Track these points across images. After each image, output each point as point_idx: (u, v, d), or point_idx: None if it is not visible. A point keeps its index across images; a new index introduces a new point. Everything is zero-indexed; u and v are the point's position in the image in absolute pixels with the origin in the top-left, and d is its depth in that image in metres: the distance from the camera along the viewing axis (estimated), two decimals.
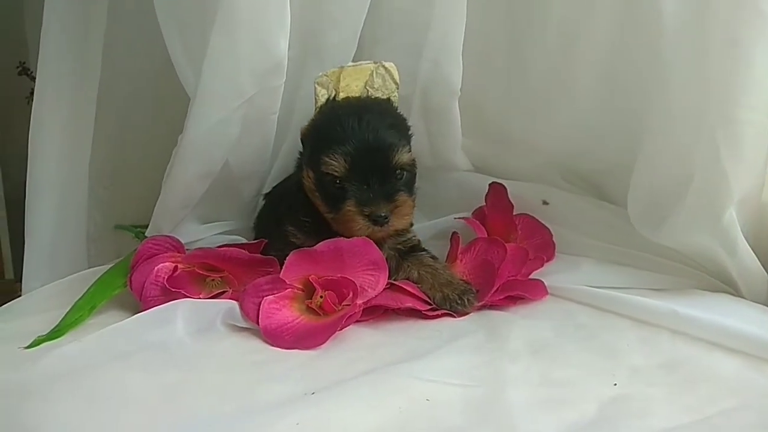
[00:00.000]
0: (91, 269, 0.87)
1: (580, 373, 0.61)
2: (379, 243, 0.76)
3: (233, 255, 0.78)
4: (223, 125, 0.80)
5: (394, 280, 0.77)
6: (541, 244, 0.89)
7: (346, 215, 0.73)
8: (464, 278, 0.79)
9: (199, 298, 0.74)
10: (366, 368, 0.62)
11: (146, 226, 0.90)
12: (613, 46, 0.87)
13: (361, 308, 0.71)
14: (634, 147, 0.83)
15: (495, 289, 0.76)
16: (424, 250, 0.82)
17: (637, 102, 0.84)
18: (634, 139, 0.84)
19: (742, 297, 0.75)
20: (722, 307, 0.71)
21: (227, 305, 0.72)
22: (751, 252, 0.73)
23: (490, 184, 0.93)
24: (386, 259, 0.75)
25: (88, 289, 0.76)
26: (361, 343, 0.68)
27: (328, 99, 0.80)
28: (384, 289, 0.73)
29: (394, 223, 0.74)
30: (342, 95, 0.80)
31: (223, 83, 0.78)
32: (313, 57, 0.88)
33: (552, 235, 0.90)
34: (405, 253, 0.81)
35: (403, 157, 0.74)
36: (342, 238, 0.74)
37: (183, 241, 0.83)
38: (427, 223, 0.98)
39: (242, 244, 0.89)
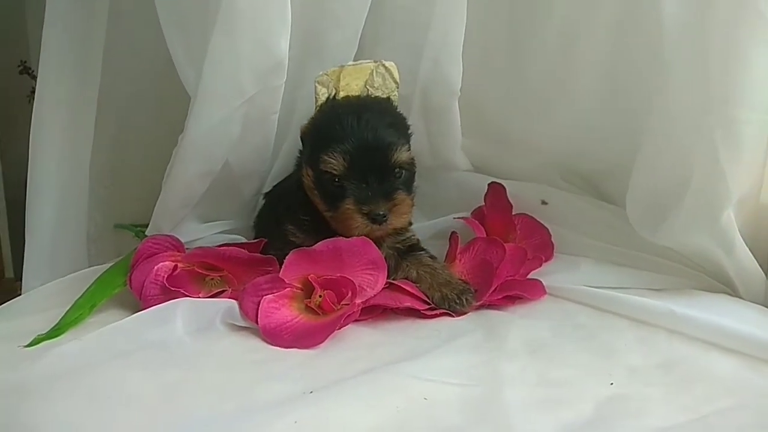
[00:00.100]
0: (91, 268, 0.87)
1: (577, 372, 0.61)
2: (378, 242, 0.76)
3: (233, 254, 0.78)
4: (224, 124, 0.80)
5: (393, 279, 0.77)
6: (539, 244, 0.89)
7: (345, 214, 0.74)
8: (463, 278, 0.79)
9: (199, 297, 0.74)
10: (364, 367, 0.62)
11: (146, 226, 0.90)
12: (612, 46, 0.87)
13: (360, 307, 0.71)
14: (633, 147, 0.83)
15: (493, 288, 0.76)
16: (423, 249, 0.83)
17: (637, 102, 0.84)
18: (633, 140, 0.84)
19: (740, 297, 0.76)
20: (719, 307, 0.71)
21: (226, 304, 0.72)
22: (749, 252, 0.74)
23: (489, 184, 0.93)
24: (385, 258, 0.76)
25: (88, 287, 0.76)
26: (359, 343, 0.68)
27: (328, 98, 0.80)
28: (383, 288, 0.74)
29: (392, 222, 0.74)
30: (342, 94, 0.80)
31: (224, 83, 0.78)
32: (313, 56, 0.88)
33: (551, 235, 0.90)
34: (404, 253, 0.81)
35: (401, 155, 0.74)
36: (341, 237, 0.74)
37: (183, 240, 0.83)
38: (427, 222, 0.98)
39: (242, 243, 0.89)
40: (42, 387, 0.59)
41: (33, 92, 0.94)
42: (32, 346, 0.66)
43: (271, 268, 0.77)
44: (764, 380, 0.60)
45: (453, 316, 0.74)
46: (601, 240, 0.88)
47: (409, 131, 0.80)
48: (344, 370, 0.62)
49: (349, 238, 0.74)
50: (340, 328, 0.69)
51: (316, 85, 0.80)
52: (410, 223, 0.84)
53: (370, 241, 0.74)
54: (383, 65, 0.81)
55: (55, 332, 0.68)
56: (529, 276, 0.83)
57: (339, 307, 0.71)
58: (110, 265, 0.83)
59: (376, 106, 0.78)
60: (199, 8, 0.77)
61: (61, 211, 0.93)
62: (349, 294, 0.71)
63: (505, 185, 0.93)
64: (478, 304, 0.75)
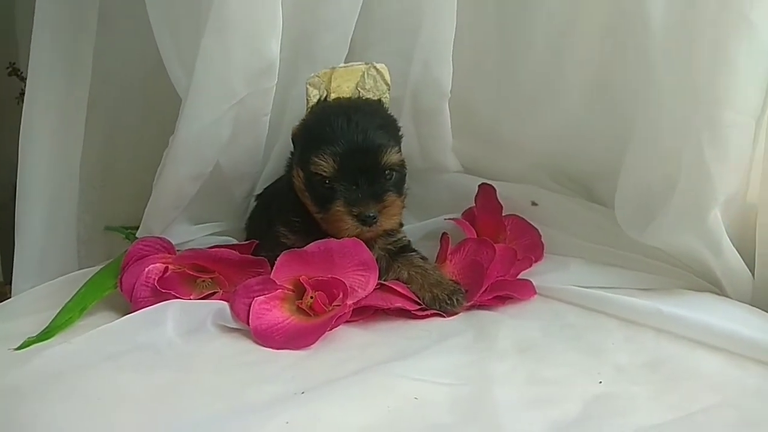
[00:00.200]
0: (81, 271, 0.87)
1: (566, 372, 0.62)
2: (370, 243, 0.77)
3: (224, 256, 0.78)
4: (215, 126, 0.80)
5: (384, 280, 0.78)
6: (529, 245, 0.90)
7: (335, 215, 0.74)
8: (453, 278, 0.80)
9: (190, 299, 0.74)
10: (356, 368, 0.62)
11: (137, 228, 0.90)
12: (601, 48, 0.88)
13: (351, 308, 0.71)
14: (622, 148, 0.84)
15: (484, 289, 0.77)
16: (414, 250, 0.83)
17: (626, 104, 0.85)
18: (621, 141, 0.85)
19: (727, 296, 0.76)
20: (706, 306, 0.72)
21: (218, 306, 0.72)
22: (736, 252, 0.74)
23: (479, 186, 0.94)
24: (376, 259, 0.76)
25: (79, 290, 0.76)
26: (351, 343, 0.68)
27: (319, 100, 0.80)
28: (374, 289, 0.74)
29: (382, 224, 0.75)
30: (333, 96, 0.80)
31: (215, 84, 0.78)
32: (304, 59, 0.88)
33: (541, 236, 0.91)
34: (395, 254, 0.81)
35: (391, 157, 0.74)
36: (332, 239, 0.75)
37: (174, 242, 0.83)
38: (418, 224, 0.98)
39: (233, 245, 0.89)
40: (32, 389, 0.58)
41: (22, 94, 0.94)
42: (22, 348, 0.66)
43: (262, 270, 0.77)
44: (750, 378, 0.60)
45: (444, 317, 0.74)
46: (590, 240, 0.88)
47: (400, 133, 0.81)
48: (335, 370, 0.62)
49: (341, 240, 0.74)
50: (331, 329, 0.69)
51: (307, 86, 0.80)
52: (401, 225, 0.84)
53: (361, 242, 0.75)
54: (374, 67, 0.82)
55: (45, 335, 0.68)
56: (519, 276, 0.83)
57: (330, 308, 0.71)
58: (101, 267, 0.83)
59: (367, 108, 0.78)
60: (190, 10, 0.77)
61: (51, 214, 0.93)
62: (341, 295, 0.72)
63: (495, 186, 0.93)
64: (469, 304, 0.76)
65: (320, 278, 0.73)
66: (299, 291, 0.73)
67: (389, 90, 0.83)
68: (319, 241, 0.74)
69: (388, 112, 0.82)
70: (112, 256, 0.87)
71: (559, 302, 0.78)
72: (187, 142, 0.80)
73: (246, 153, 0.88)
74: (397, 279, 0.79)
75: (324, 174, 0.74)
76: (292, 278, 0.73)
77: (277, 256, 0.74)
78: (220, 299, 0.74)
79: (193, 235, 0.91)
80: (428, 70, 0.91)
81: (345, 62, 0.86)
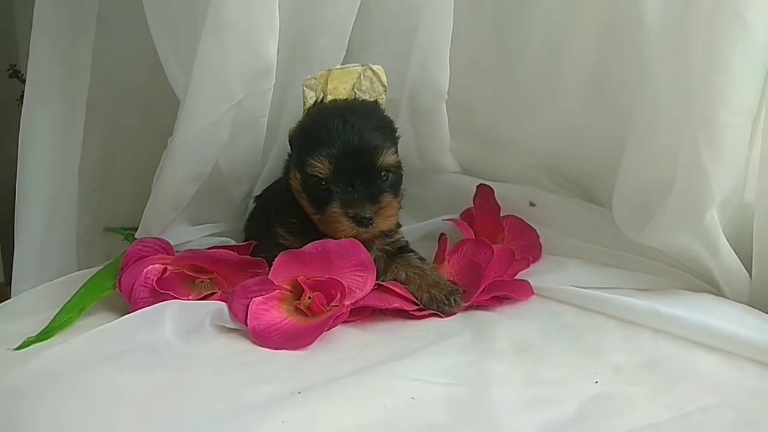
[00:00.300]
0: (80, 271, 0.87)
1: (563, 372, 0.62)
2: (367, 244, 0.77)
3: (222, 257, 0.79)
4: (213, 127, 0.81)
5: (382, 281, 0.78)
6: (527, 245, 0.90)
7: (331, 216, 0.74)
8: (451, 279, 0.80)
9: (188, 300, 0.74)
10: (353, 368, 0.62)
11: (136, 229, 0.90)
12: (597, 48, 0.88)
13: (349, 309, 0.71)
14: (619, 149, 0.84)
15: (482, 289, 0.77)
16: (411, 251, 0.83)
17: (623, 104, 0.85)
18: (619, 141, 0.85)
19: (724, 297, 0.76)
20: (704, 307, 0.72)
21: (216, 306, 0.72)
22: (733, 252, 0.74)
23: (477, 186, 0.94)
24: (374, 260, 0.76)
25: (78, 291, 0.76)
26: (348, 344, 0.69)
27: (315, 101, 0.80)
28: (372, 289, 0.74)
29: (378, 225, 0.75)
30: (330, 98, 0.81)
31: (213, 86, 0.78)
32: (302, 60, 0.88)
33: (538, 236, 0.91)
34: (393, 255, 0.81)
35: (388, 158, 0.75)
36: (330, 239, 0.75)
37: (173, 243, 0.83)
38: (416, 224, 0.99)
39: (231, 246, 0.89)
40: (31, 390, 0.59)
41: (22, 96, 0.94)
42: (21, 349, 0.66)
43: (260, 271, 0.78)
44: (748, 379, 0.60)
45: (441, 317, 0.75)
46: (588, 241, 0.88)
47: (397, 134, 0.81)
48: (333, 370, 0.62)
49: (338, 240, 0.74)
50: (329, 330, 0.69)
51: (304, 88, 0.80)
52: (399, 225, 0.84)
53: (359, 242, 0.75)
54: (371, 69, 0.82)
55: (44, 335, 0.68)
56: (516, 277, 0.83)
57: (328, 308, 0.72)
58: (100, 268, 0.83)
59: (363, 109, 0.78)
60: (188, 11, 0.77)
61: (51, 215, 0.93)
62: (338, 295, 0.72)
63: (493, 187, 0.93)
64: (467, 304, 0.76)
65: (318, 279, 0.73)
66: (297, 291, 0.73)
67: (386, 91, 0.83)
68: (317, 241, 0.74)
69: (385, 113, 0.82)
70: (111, 256, 0.88)
71: (556, 302, 0.78)
72: (185, 144, 0.81)
73: (244, 154, 0.88)
74: (395, 279, 0.79)
75: (320, 175, 0.74)
76: (290, 279, 0.73)
77: (275, 256, 0.74)
78: (219, 300, 0.74)
79: (191, 236, 0.92)
80: (425, 71, 0.92)
81: (342, 64, 0.86)
